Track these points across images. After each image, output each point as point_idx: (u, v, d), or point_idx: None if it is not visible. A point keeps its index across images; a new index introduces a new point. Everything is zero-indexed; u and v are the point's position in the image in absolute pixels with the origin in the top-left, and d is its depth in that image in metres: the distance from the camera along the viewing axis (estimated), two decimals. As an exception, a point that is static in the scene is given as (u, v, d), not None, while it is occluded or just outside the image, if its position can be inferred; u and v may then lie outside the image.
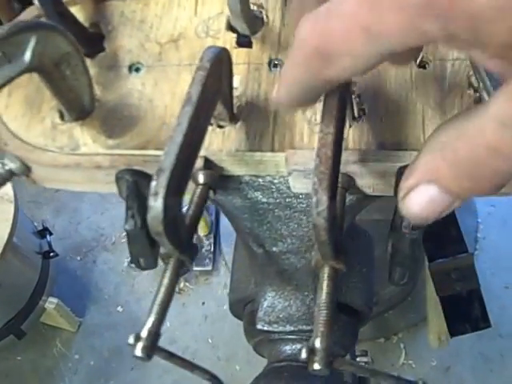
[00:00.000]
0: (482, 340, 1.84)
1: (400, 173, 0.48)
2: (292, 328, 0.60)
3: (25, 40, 0.46)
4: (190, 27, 0.58)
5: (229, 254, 2.10)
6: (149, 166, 0.52)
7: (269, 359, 0.65)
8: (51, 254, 1.88)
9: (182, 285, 2.08)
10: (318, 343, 0.40)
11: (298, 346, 0.61)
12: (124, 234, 2.20)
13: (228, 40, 0.57)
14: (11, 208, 1.62)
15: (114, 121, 0.54)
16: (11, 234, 1.59)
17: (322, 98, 0.40)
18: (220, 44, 0.56)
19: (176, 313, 2.03)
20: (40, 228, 1.88)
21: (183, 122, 0.43)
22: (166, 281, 0.46)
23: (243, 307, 0.68)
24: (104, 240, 2.21)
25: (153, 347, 0.42)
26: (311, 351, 0.40)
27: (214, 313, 2.03)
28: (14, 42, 0.46)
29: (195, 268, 2.08)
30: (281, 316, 0.61)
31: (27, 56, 0.47)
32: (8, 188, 1.64)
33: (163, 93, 0.55)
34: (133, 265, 2.00)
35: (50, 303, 1.87)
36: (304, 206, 0.55)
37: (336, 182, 0.39)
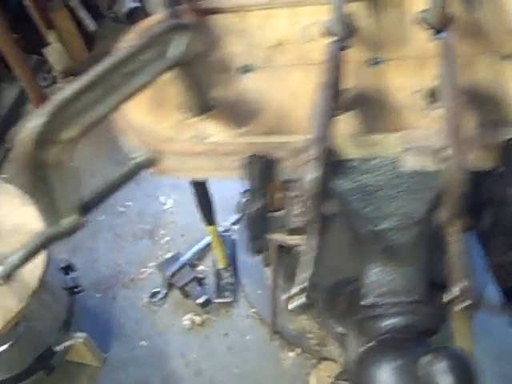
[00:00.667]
0: (502, 361, 1.87)
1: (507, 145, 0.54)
2: (395, 300, 0.65)
3: (175, 37, 0.53)
4: (289, 34, 0.65)
5: (248, 285, 2.14)
6: (272, 151, 0.58)
7: (370, 335, 0.70)
8: (77, 290, 1.91)
9: (204, 317, 2.11)
10: (460, 285, 0.46)
11: (400, 319, 0.66)
12: (142, 269, 2.24)
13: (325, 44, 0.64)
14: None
15: (237, 114, 0.60)
16: (45, 269, 1.62)
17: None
18: (318, 47, 0.63)
19: (200, 344, 2.06)
20: (63, 265, 1.91)
21: (325, 101, 0.49)
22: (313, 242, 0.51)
23: (339, 291, 0.73)
24: (122, 277, 2.24)
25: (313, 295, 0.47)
26: (454, 297, 0.46)
27: (237, 343, 2.06)
28: (166, 40, 0.52)
29: (216, 300, 2.11)
30: (384, 290, 0.66)
31: (175, 52, 0.53)
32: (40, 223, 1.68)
33: (275, 89, 0.62)
34: (153, 300, 2.03)
35: (79, 338, 1.90)
36: (407, 185, 0.61)
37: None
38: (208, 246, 2.24)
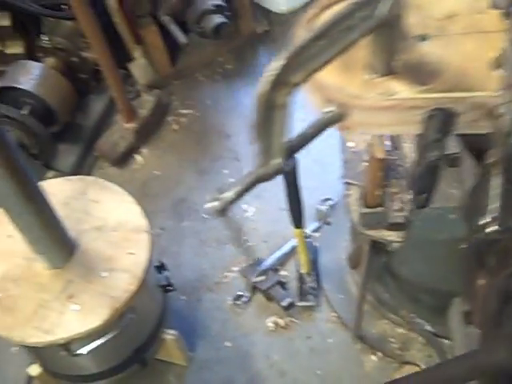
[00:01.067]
0: None
1: None
2: None
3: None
4: (460, 6, 0.74)
5: (329, 290, 2.19)
6: (453, 105, 0.66)
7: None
8: (170, 288, 1.98)
9: (287, 320, 2.17)
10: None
11: None
12: (226, 274, 2.31)
13: (494, 15, 0.72)
14: (146, 238, 1.74)
15: (419, 75, 0.69)
16: (149, 262, 1.71)
17: None
18: (488, 18, 0.71)
19: (283, 346, 2.12)
20: (157, 264, 1.99)
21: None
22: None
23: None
24: (207, 281, 2.32)
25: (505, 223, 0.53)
26: None
27: (319, 346, 2.11)
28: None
29: (299, 304, 2.17)
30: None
31: (381, 12, 0.61)
32: (140, 218, 1.78)
33: (451, 54, 0.70)
34: (237, 302, 2.10)
35: (170, 334, 1.97)
36: None
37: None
38: (290, 252, 2.30)
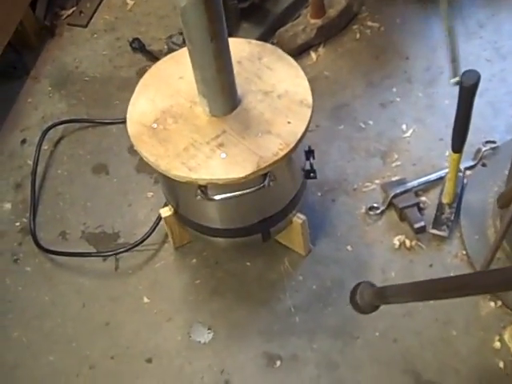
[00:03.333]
0: None
1: None
2: None
3: None
4: None
5: (466, 228, 2.14)
6: None
7: None
8: (312, 175, 2.01)
9: (414, 243, 2.14)
10: None
11: None
12: (366, 183, 2.31)
13: None
14: (308, 113, 1.76)
15: None
16: (304, 135, 1.73)
17: None
18: None
19: (403, 266, 2.11)
20: (306, 149, 2.01)
21: None
22: None
23: None
24: (346, 185, 2.33)
25: None
26: None
27: (439, 276, 2.07)
28: None
29: (431, 231, 2.14)
30: None
31: None
32: (308, 94, 1.79)
33: None
34: (370, 213, 2.10)
35: (299, 218, 2.01)
36: None
37: None
38: (436, 181, 2.25)
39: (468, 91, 1.77)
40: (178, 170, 1.68)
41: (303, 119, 1.75)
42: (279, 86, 1.82)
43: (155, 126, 1.77)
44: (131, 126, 1.79)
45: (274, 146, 1.69)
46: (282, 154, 1.68)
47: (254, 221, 1.93)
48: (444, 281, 1.34)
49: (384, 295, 1.55)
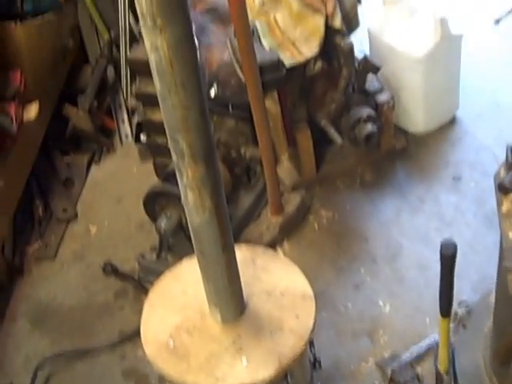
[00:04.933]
0: None
1: None
2: None
3: None
4: None
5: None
6: None
7: None
8: (317, 365, 2.07)
9: (423, 413, 2.19)
10: None
11: None
12: (362, 364, 2.37)
13: None
14: (312, 304, 1.87)
15: None
16: (314, 326, 1.82)
17: None
18: None
19: None
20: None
21: None
22: None
23: None
24: (343, 368, 2.41)
25: None
26: None
27: None
28: None
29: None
30: None
31: None
32: (307, 287, 1.91)
33: None
34: None
35: None
36: None
37: None
38: (426, 349, 2.36)
39: (448, 260, 1.93)
40: (206, 383, 1.73)
41: (309, 311, 1.86)
42: (279, 283, 1.94)
43: (171, 342, 1.82)
44: (148, 347, 1.84)
45: (290, 342, 1.78)
46: (299, 348, 1.77)
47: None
48: None
49: None
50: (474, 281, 2.60)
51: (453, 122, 3.40)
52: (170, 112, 1.38)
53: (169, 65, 1.30)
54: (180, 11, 1.26)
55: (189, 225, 1.65)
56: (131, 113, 3.57)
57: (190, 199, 1.55)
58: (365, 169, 3.19)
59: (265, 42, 2.67)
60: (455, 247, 1.92)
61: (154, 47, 1.29)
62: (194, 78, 1.35)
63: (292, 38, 2.67)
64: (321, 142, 3.06)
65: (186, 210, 1.61)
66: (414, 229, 2.87)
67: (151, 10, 1.23)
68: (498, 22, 3.85)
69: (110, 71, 3.68)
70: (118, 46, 3.64)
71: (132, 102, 3.47)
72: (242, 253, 2.04)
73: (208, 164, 1.48)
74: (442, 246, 1.94)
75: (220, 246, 1.66)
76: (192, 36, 1.31)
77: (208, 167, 1.48)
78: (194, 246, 1.71)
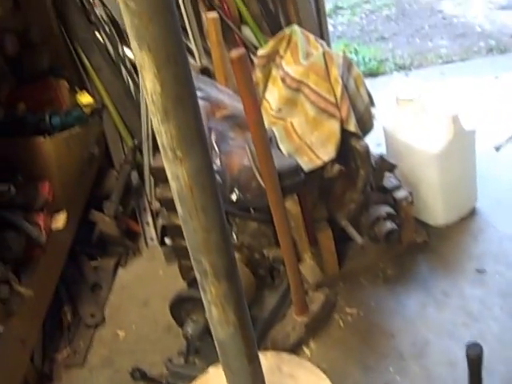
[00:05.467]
0: None
1: None
2: None
3: None
4: None
5: None
6: None
7: None
8: None
9: None
10: None
11: None
12: None
13: None
14: None
15: None
16: None
17: None
18: None
19: None
20: None
21: None
22: None
23: None
24: None
25: None
26: None
27: None
28: None
29: None
30: None
31: None
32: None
33: None
34: None
35: None
36: None
37: None
38: None
39: (475, 362, 1.94)
40: None
41: None
42: (305, 392, 1.95)
43: None
44: None
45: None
46: None
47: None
48: None
49: None
50: (503, 375, 2.57)
51: (473, 213, 3.44)
52: (191, 235, 1.45)
53: (189, 192, 1.37)
54: (198, 143, 1.34)
55: (213, 338, 1.69)
56: (156, 215, 3.67)
57: (215, 315, 1.59)
58: (387, 264, 3.22)
59: (283, 148, 2.77)
60: (481, 349, 1.93)
61: (175, 176, 1.36)
62: (214, 202, 1.42)
63: (309, 142, 2.76)
64: (342, 238, 3.10)
65: (210, 325, 1.65)
66: (440, 324, 2.87)
67: (171, 143, 1.32)
68: (498, 149, 3.91)
69: (134, 176, 3.80)
70: (141, 152, 3.79)
71: (156, 204, 3.58)
72: (267, 360, 2.07)
73: (230, 281, 1.53)
74: (467, 348, 1.96)
75: (245, 357, 1.69)
76: (211, 164, 1.39)
77: (230, 284, 1.53)
78: (220, 359, 1.74)
